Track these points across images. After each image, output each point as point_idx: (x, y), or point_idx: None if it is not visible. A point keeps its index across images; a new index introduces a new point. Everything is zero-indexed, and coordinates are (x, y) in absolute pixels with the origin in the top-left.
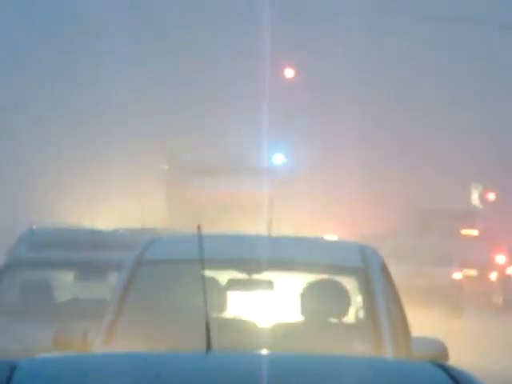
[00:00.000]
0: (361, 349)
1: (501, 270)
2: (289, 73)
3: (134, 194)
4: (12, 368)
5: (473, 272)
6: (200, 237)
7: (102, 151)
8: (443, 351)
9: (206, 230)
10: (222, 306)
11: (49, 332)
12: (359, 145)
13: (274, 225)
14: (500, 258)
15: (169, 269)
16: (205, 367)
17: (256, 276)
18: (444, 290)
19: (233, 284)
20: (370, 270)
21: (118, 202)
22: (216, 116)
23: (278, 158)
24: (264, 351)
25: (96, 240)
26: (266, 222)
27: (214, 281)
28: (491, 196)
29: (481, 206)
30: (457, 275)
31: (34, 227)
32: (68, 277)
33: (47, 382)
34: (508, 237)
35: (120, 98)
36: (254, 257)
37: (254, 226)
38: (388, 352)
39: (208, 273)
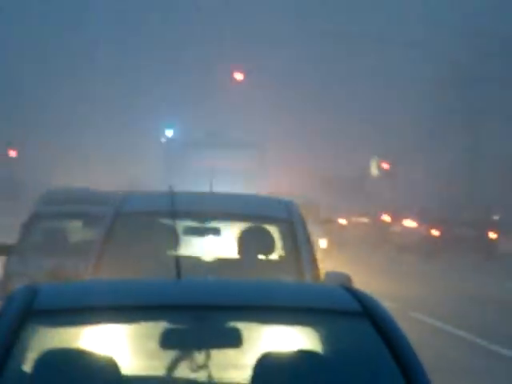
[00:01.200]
0: (286, 279)
1: (378, 219)
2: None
3: (136, 159)
4: (35, 290)
5: (364, 219)
6: (169, 194)
7: (109, 126)
8: (349, 281)
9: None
10: (183, 247)
11: (65, 263)
12: (288, 122)
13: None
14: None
15: (140, 219)
16: (177, 287)
17: (206, 224)
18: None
19: (190, 230)
20: (293, 219)
21: (121, 167)
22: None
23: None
24: (216, 279)
25: (98, 198)
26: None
27: (174, 228)
28: (385, 166)
29: (377, 173)
30: (342, 221)
31: (52, 187)
32: (78, 225)
33: (62, 300)
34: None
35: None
36: (205, 210)
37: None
38: (307, 281)
39: (171, 222)
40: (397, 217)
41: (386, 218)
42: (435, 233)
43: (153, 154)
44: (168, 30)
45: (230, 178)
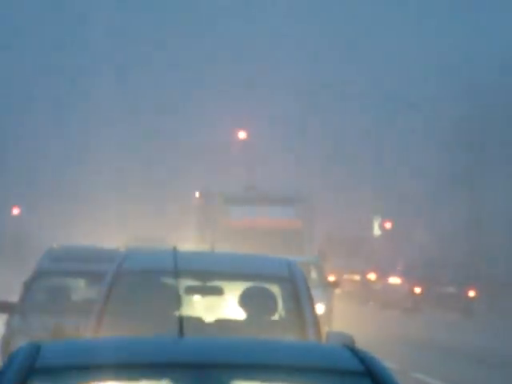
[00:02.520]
0: (289, 339)
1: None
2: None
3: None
4: (38, 348)
5: (356, 277)
6: (171, 252)
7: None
8: (351, 340)
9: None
10: (184, 307)
11: (67, 322)
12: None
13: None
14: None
15: (141, 277)
16: (180, 346)
17: (208, 283)
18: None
19: (192, 289)
20: (295, 278)
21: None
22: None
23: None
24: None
25: (103, 255)
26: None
27: (175, 287)
28: (388, 225)
29: (379, 233)
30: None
31: (55, 245)
32: (81, 283)
33: (65, 357)
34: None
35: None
36: (207, 269)
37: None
38: (310, 340)
39: (172, 281)
40: (382, 274)
41: (372, 275)
42: (417, 290)
43: (184, 210)
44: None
45: (272, 238)
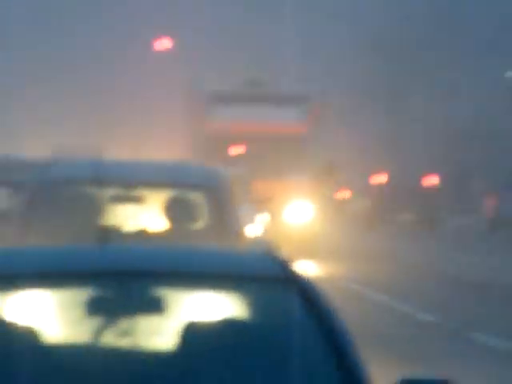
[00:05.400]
0: (212, 246)
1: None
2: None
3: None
4: None
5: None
6: (97, 161)
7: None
8: (274, 248)
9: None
10: (107, 216)
11: None
12: None
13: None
14: None
15: (63, 187)
16: (102, 254)
17: (132, 192)
18: None
19: (115, 198)
20: (219, 188)
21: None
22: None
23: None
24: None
25: (28, 165)
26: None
27: (98, 196)
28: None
29: None
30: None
31: None
32: (3, 193)
33: None
34: None
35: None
36: (129, 177)
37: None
38: (233, 248)
39: (95, 190)
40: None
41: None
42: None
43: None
44: None
45: (265, 147)
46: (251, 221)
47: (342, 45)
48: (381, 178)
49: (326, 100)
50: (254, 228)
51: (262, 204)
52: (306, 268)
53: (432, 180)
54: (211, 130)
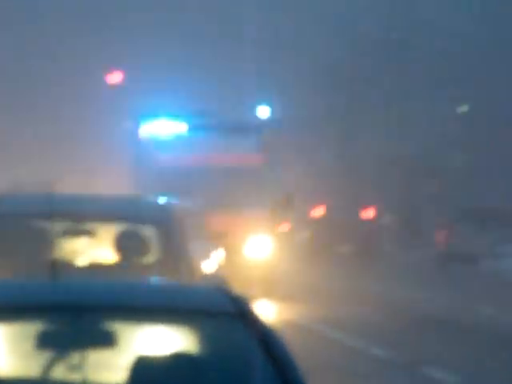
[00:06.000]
0: (163, 280)
1: None
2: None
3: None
4: None
5: None
6: (46, 195)
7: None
8: (225, 283)
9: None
10: (56, 249)
11: None
12: None
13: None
14: None
15: (12, 220)
16: (53, 288)
17: (80, 226)
18: None
19: (64, 232)
20: (169, 221)
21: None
22: None
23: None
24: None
25: None
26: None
27: (48, 230)
28: None
29: None
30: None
31: None
32: None
33: None
34: None
35: None
36: (80, 210)
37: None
38: (183, 282)
39: (45, 224)
40: None
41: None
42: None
43: (110, 142)
44: None
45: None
46: (206, 257)
47: (299, 76)
48: (319, 211)
49: (279, 130)
50: (209, 264)
51: (216, 239)
52: (263, 307)
53: (369, 213)
54: (163, 163)
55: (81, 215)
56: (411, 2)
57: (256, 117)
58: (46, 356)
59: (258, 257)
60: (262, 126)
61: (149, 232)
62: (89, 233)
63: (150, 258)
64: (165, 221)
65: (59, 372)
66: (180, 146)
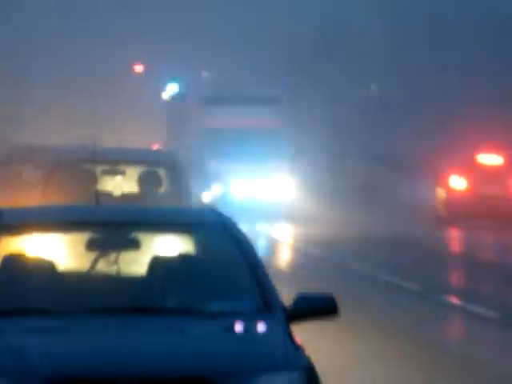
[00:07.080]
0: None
1: None
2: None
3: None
4: (1, 212)
5: None
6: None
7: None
8: (215, 206)
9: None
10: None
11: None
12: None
13: None
14: None
15: (70, 165)
16: (97, 210)
17: (117, 168)
18: None
19: (105, 172)
20: (176, 165)
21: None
22: None
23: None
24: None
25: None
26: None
27: (92, 171)
28: None
29: None
30: None
31: None
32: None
33: (22, 217)
34: None
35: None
36: (115, 157)
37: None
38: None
39: (90, 166)
40: None
41: None
42: None
43: (152, 113)
44: None
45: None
46: (207, 189)
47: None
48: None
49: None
50: (207, 194)
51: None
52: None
53: None
54: (207, 124)
55: (115, 160)
56: None
57: (272, 92)
58: (92, 255)
59: (280, 194)
60: (278, 98)
61: (162, 173)
62: (121, 172)
63: (163, 190)
64: (173, 165)
65: (101, 266)
66: (221, 112)
